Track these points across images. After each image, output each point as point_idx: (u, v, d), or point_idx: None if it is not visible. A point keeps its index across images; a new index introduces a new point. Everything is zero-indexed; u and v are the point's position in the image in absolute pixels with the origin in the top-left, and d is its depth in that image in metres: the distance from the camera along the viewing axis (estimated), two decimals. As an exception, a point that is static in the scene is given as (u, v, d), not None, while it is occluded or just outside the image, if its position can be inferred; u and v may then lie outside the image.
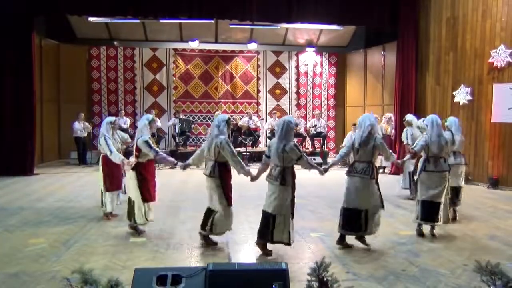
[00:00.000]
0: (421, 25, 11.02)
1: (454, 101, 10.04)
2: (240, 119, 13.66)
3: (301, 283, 3.31)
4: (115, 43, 13.66)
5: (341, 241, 4.99)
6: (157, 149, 5.33)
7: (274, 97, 14.57)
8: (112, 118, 6.40)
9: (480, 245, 5.15)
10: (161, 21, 12.35)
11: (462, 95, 9.88)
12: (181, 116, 13.33)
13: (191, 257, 4.68)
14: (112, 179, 6.11)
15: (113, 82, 13.78)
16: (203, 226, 4.94)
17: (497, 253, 4.80)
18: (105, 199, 6.12)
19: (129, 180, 5.34)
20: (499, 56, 9.10)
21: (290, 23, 11.88)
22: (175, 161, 5.33)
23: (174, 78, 14.07)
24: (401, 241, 5.24)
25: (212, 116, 13.84)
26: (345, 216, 4.94)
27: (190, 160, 5.22)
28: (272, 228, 4.56)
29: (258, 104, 14.50)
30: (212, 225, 4.86)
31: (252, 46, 13.73)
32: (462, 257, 4.67)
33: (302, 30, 13.74)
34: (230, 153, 4.74)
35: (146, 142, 5.15)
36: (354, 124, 12.75)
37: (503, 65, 9.06)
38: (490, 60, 9.27)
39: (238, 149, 12.84)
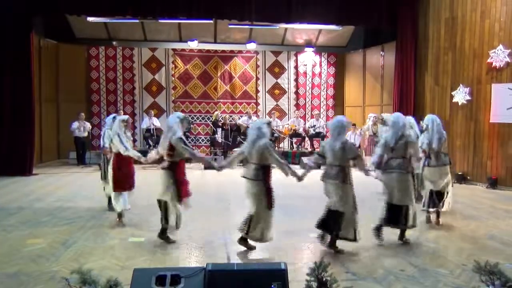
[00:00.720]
0: (420, 25, 11.02)
1: (453, 101, 10.05)
2: (239, 119, 13.66)
3: (300, 283, 3.30)
4: (114, 43, 13.64)
5: (331, 244, 4.89)
6: (192, 147, 5.20)
7: (273, 97, 14.57)
8: (125, 117, 6.25)
9: (479, 245, 5.15)
10: (160, 21, 12.35)
11: (461, 95, 9.89)
12: (180, 116, 13.31)
13: (190, 257, 4.68)
14: (125, 179, 5.89)
15: (112, 82, 13.75)
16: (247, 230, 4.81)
17: (496, 253, 4.80)
18: (113, 199, 5.91)
19: (163, 182, 5.04)
20: (497, 56, 9.11)
21: (289, 23, 11.88)
22: (211, 161, 5.22)
23: (173, 78, 14.05)
24: (399, 241, 5.23)
25: (211, 116, 13.84)
26: (390, 211, 5.16)
27: (225, 162, 5.19)
28: (340, 225, 4.74)
29: (257, 104, 14.49)
30: (249, 228, 4.76)
31: (251, 46, 13.73)
32: (461, 257, 4.67)
33: (301, 30, 13.74)
34: (274, 156, 4.74)
35: (181, 139, 4.96)
36: (354, 124, 12.79)
37: (501, 65, 9.07)
38: (488, 60, 9.28)
39: (236, 149, 12.83)
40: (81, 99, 13.38)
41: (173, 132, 4.99)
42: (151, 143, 12.61)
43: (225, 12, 10.82)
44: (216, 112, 13.57)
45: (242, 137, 12.87)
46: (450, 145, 10.14)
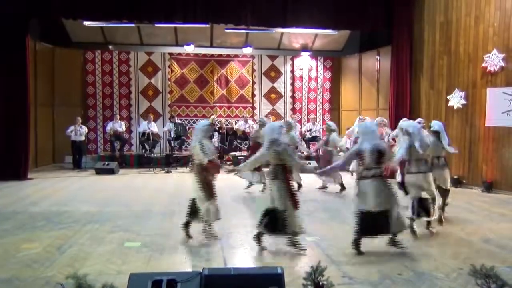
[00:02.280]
0: (415, 29, 11.09)
1: (449, 105, 10.10)
2: (236, 123, 13.68)
3: (297, 287, 3.30)
4: (110, 47, 13.62)
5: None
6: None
7: (269, 101, 14.60)
8: (280, 123, 5.56)
9: (475, 248, 5.16)
10: (156, 25, 12.35)
11: (456, 99, 9.95)
12: (176, 121, 13.32)
13: (186, 261, 4.66)
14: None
15: (108, 86, 13.74)
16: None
17: (492, 256, 4.82)
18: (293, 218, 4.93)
19: (382, 193, 4.84)
20: (492, 60, 9.17)
21: (285, 27, 11.92)
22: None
23: (169, 82, 14.05)
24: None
25: (207, 120, 13.81)
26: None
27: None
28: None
29: (253, 108, 14.51)
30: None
31: (248, 50, 13.76)
32: (457, 260, 4.68)
33: (297, 35, 13.79)
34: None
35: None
36: (348, 128, 12.82)
37: (496, 70, 9.13)
38: (483, 65, 9.34)
39: (233, 153, 12.87)
40: (76, 103, 13.35)
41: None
42: (147, 147, 12.61)
43: (221, 16, 10.85)
44: (212, 116, 13.58)
45: (238, 141, 12.88)
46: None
